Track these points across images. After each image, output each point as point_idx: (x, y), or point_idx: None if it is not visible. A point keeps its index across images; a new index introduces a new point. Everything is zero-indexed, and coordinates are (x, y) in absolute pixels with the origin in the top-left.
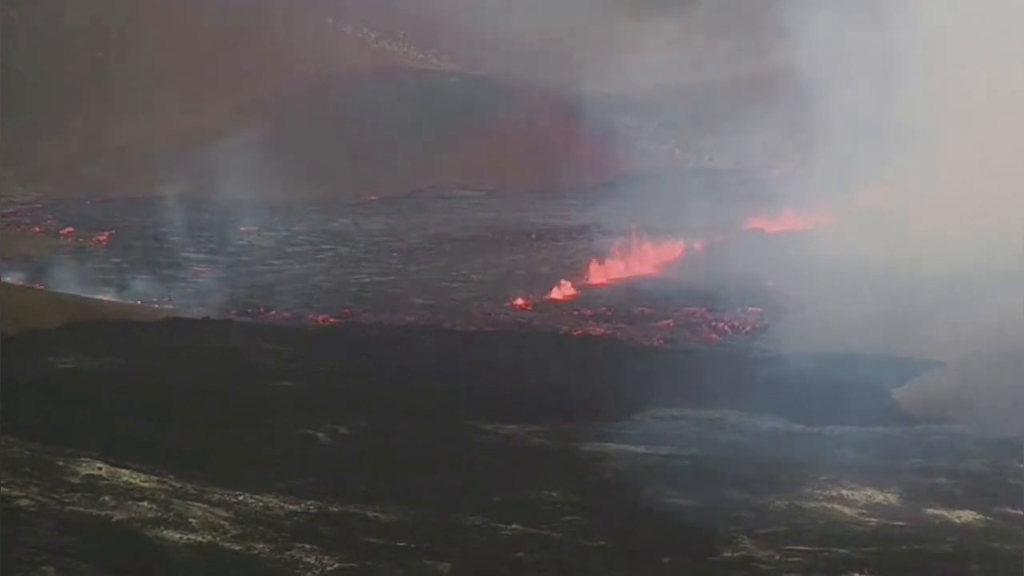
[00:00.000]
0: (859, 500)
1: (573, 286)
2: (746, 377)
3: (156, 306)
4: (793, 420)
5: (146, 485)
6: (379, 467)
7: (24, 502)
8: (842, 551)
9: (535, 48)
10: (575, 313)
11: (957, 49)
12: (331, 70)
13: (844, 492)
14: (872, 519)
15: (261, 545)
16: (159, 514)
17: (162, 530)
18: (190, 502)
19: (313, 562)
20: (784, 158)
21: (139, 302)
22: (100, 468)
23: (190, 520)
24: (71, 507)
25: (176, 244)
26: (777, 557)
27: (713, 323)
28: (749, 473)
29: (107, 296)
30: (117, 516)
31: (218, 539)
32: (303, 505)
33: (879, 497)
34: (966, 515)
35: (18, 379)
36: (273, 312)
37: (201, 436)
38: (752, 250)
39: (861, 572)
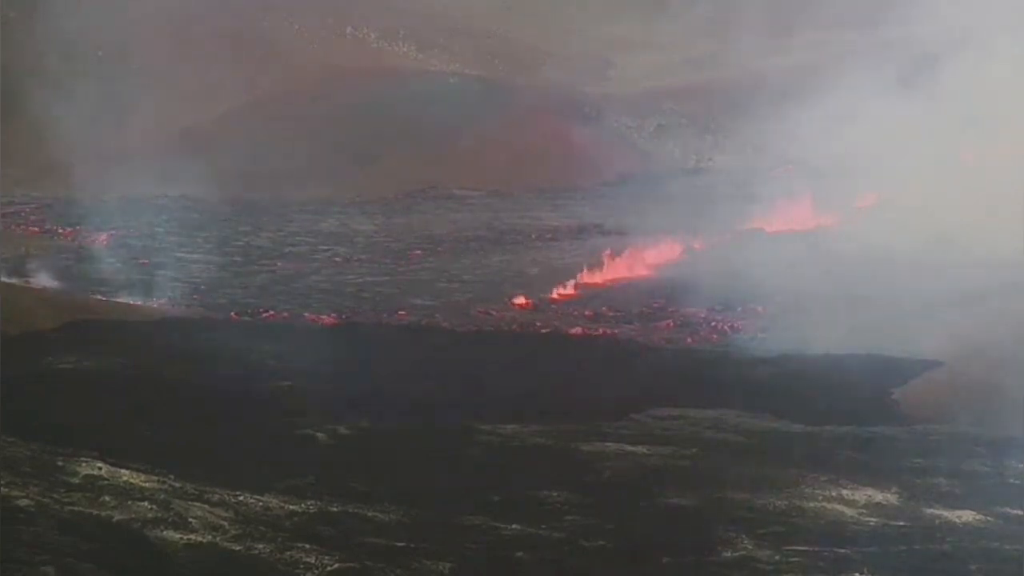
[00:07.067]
0: (859, 500)
1: (573, 286)
2: (746, 377)
3: (155, 306)
4: (793, 420)
5: (146, 485)
6: (379, 467)
7: (24, 502)
8: (842, 551)
9: (536, 48)
10: (575, 313)
11: (957, 48)
12: (331, 70)
13: (844, 492)
14: (872, 519)
15: (261, 545)
16: (159, 514)
17: (162, 530)
18: (190, 502)
19: (313, 562)
20: (784, 158)
21: (138, 302)
22: (100, 468)
23: (190, 520)
24: (71, 507)
25: (175, 244)
26: (776, 557)
27: (713, 323)
28: (749, 473)
29: (106, 296)
30: (117, 516)
31: (218, 539)
32: (303, 505)
33: (879, 497)
34: (966, 515)
35: (18, 379)
36: (271, 312)
37: (201, 436)
38: (752, 250)
39: (861, 572)
